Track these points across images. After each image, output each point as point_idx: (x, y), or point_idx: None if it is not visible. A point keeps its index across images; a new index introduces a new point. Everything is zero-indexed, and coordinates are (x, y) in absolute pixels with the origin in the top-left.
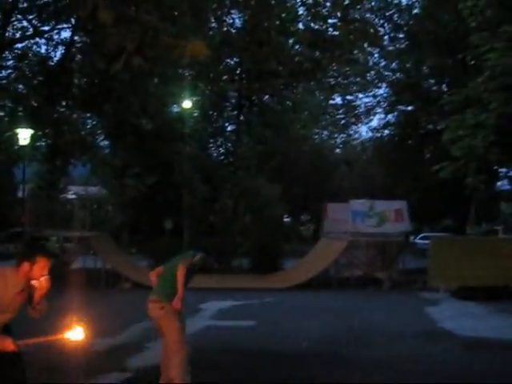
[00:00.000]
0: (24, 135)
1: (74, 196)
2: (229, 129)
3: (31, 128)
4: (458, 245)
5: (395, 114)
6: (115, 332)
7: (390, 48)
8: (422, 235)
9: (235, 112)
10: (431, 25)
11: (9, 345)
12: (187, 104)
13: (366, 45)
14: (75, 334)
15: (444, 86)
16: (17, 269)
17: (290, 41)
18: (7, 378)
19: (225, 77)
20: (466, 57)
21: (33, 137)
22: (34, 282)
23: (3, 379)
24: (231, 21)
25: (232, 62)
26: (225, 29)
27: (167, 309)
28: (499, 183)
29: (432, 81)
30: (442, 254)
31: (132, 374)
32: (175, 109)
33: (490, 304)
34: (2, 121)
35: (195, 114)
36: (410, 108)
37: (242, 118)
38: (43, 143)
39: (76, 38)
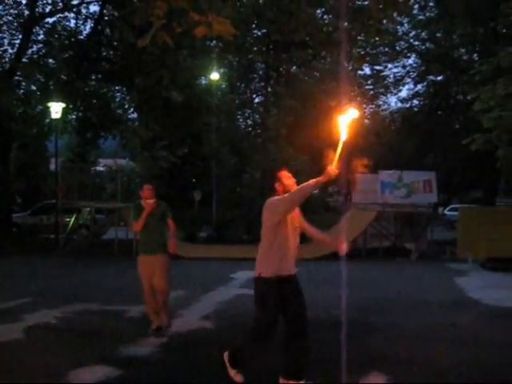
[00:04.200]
0: (55, 109)
1: (103, 168)
2: (256, 100)
3: (62, 102)
4: (487, 215)
5: (425, 84)
6: None
7: (420, 17)
8: (450, 207)
9: (263, 83)
10: None
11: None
12: (215, 76)
13: (395, 14)
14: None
15: (475, 55)
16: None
17: (319, 11)
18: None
19: (253, 48)
20: (498, 25)
21: (64, 110)
22: None
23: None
24: None
25: (259, 34)
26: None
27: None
28: None
29: (462, 50)
30: (470, 225)
31: (167, 339)
32: (203, 81)
33: None
34: (34, 95)
35: (223, 86)
36: (439, 78)
37: (269, 89)
38: (74, 116)
39: (105, 11)
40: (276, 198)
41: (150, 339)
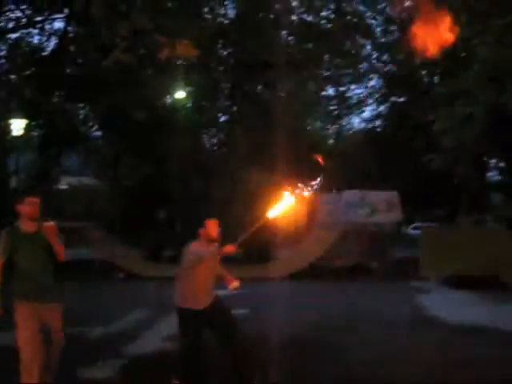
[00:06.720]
0: (17, 126)
1: (66, 186)
2: (222, 119)
3: (25, 118)
4: (449, 234)
5: (387, 105)
6: (110, 321)
7: (382, 40)
8: (414, 225)
9: (228, 103)
10: None
11: (230, 248)
12: (180, 95)
13: (357, 37)
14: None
15: (435, 77)
16: None
17: (283, 32)
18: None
19: (219, 68)
20: (457, 49)
21: (26, 127)
22: None
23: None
24: (224, 12)
25: (225, 53)
26: (218, 20)
27: None
28: (490, 173)
29: (423, 72)
30: (433, 244)
31: (127, 360)
32: (168, 100)
33: (480, 292)
34: None
35: (188, 105)
36: (401, 99)
37: (234, 108)
38: (36, 133)
39: (69, 28)
40: (194, 249)
41: (109, 361)
